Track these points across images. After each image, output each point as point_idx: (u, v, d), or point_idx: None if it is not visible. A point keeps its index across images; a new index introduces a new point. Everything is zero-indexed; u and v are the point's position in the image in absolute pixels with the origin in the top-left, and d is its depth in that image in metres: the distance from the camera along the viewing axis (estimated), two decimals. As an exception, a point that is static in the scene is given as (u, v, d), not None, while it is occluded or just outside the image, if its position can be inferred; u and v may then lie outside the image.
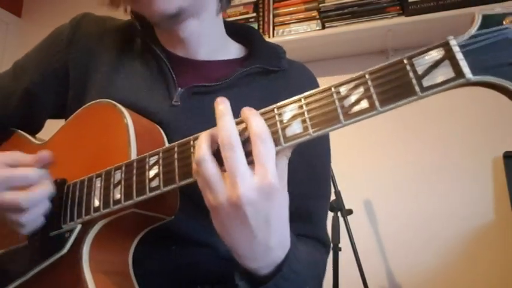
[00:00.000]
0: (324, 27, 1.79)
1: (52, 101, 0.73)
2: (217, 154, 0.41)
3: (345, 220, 1.45)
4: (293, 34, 1.82)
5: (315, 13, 1.82)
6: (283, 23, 1.87)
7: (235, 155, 0.39)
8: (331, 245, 1.38)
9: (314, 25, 1.81)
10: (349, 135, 1.68)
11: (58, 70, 0.71)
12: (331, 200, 1.44)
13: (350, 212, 1.47)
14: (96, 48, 0.71)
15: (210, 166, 0.40)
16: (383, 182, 1.77)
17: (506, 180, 1.57)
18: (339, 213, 1.45)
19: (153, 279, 0.59)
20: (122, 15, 0.70)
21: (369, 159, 1.81)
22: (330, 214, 1.42)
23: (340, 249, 1.40)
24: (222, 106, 0.41)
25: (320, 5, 1.79)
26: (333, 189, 1.45)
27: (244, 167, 0.39)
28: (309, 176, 0.68)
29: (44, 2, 2.69)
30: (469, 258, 1.59)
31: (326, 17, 1.78)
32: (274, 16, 1.89)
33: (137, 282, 0.55)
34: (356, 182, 1.77)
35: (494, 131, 1.66)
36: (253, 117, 0.40)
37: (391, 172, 1.76)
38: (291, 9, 1.87)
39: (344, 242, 1.42)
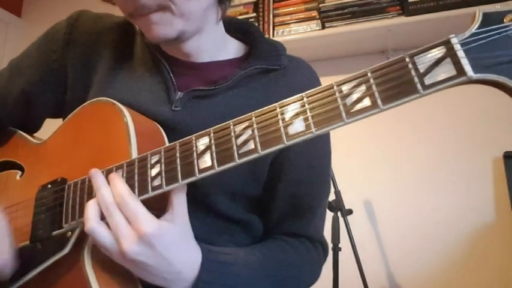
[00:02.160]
0: (324, 27, 1.79)
1: (50, 101, 0.71)
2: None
3: (345, 220, 1.45)
4: (293, 34, 1.82)
5: (315, 13, 1.82)
6: (283, 23, 1.86)
7: (113, 220, 0.46)
8: (331, 244, 1.39)
9: (314, 25, 1.81)
10: (349, 135, 1.69)
11: (56, 70, 0.69)
12: (331, 200, 1.45)
13: (350, 212, 1.47)
14: (94, 47, 0.69)
15: (99, 234, 0.46)
16: (383, 182, 1.77)
17: (506, 180, 1.57)
18: (339, 213, 1.45)
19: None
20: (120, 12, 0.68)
21: (369, 159, 1.81)
22: (330, 214, 1.42)
23: (340, 249, 1.40)
24: (94, 180, 0.49)
25: (320, 5, 1.79)
26: (333, 189, 1.45)
27: (123, 227, 0.46)
28: (308, 176, 0.68)
29: (44, 1, 2.68)
30: (469, 258, 1.59)
31: (326, 17, 1.78)
32: (274, 16, 1.89)
33: (140, 281, 0.55)
34: (356, 182, 1.77)
35: (494, 131, 1.66)
36: (111, 187, 0.48)
37: (391, 172, 1.76)
38: (291, 9, 1.87)
39: (344, 242, 1.42)
